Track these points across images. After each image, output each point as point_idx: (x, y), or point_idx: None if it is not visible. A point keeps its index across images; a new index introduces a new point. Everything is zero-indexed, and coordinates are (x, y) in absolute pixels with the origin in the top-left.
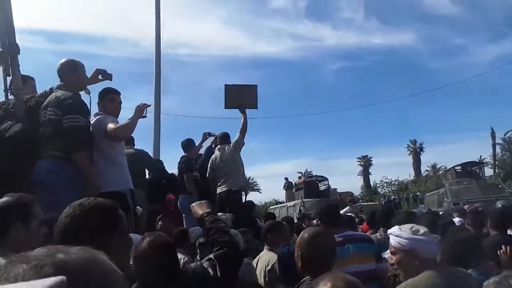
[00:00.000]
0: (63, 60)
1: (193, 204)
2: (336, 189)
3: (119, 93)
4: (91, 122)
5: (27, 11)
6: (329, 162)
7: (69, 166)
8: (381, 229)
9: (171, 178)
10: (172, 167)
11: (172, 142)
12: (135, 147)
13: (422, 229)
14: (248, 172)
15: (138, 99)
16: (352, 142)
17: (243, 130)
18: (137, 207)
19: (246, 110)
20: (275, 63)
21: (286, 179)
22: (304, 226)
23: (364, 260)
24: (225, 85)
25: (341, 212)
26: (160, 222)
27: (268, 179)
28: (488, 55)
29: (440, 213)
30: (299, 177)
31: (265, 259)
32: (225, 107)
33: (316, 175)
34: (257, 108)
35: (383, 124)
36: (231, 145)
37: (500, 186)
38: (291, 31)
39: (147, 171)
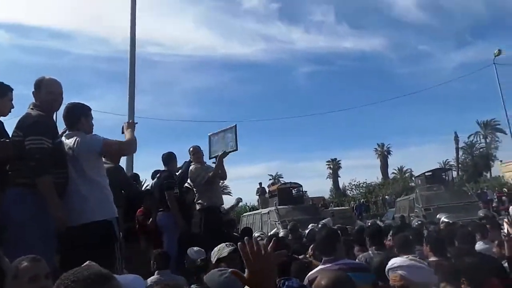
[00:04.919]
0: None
1: None
2: (306, 191)
3: (91, 109)
4: (74, 142)
5: None
6: (299, 165)
7: (36, 194)
8: (373, 247)
9: (146, 194)
10: (142, 171)
11: (144, 144)
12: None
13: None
14: None
15: (108, 99)
16: (321, 145)
17: (215, 176)
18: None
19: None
20: (247, 64)
21: (260, 184)
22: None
23: None
24: (209, 136)
25: (322, 222)
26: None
27: (239, 182)
28: (452, 62)
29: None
30: (270, 180)
31: None
32: (210, 158)
33: (290, 182)
34: (237, 149)
35: (352, 127)
36: (204, 179)
37: (465, 189)
38: (264, 32)
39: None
